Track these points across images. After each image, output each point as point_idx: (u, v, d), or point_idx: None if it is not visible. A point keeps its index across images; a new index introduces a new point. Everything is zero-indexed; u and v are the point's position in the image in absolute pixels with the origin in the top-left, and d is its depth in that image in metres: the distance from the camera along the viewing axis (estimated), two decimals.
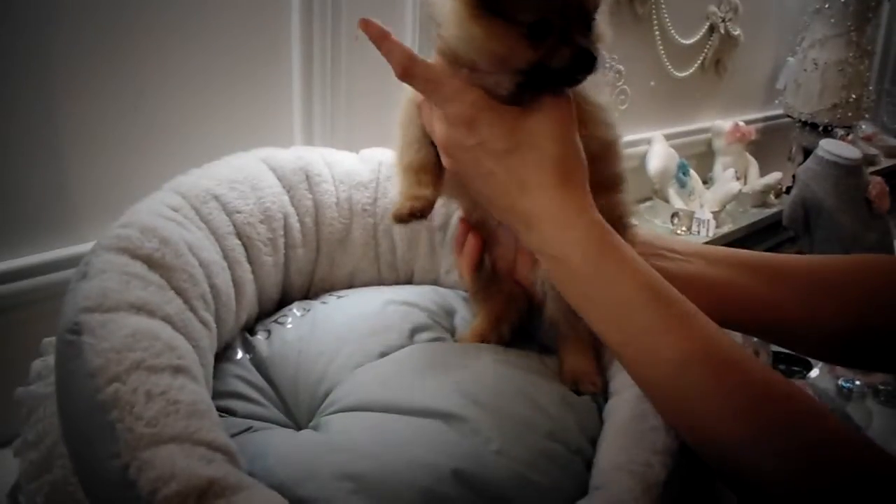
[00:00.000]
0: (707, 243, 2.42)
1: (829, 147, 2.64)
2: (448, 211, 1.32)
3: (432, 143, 1.04)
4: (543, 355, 1.18)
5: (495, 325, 1.20)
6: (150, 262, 0.98)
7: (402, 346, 1.14)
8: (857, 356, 1.24)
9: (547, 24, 0.91)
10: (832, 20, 3.08)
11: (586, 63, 0.93)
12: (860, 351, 1.19)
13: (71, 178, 1.37)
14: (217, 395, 1.05)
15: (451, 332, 1.24)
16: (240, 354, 1.15)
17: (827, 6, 3.08)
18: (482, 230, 1.12)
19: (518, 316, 1.20)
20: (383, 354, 1.12)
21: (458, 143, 0.97)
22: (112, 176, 1.41)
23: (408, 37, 1.75)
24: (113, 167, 1.41)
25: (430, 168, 1.06)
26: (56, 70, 1.30)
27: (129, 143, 1.42)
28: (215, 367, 1.08)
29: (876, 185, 2.68)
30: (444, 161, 1.02)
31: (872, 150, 3.84)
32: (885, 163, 3.90)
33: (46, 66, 1.29)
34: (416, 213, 1.04)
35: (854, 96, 3.13)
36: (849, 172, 2.62)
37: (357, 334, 1.15)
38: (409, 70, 0.97)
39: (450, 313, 1.28)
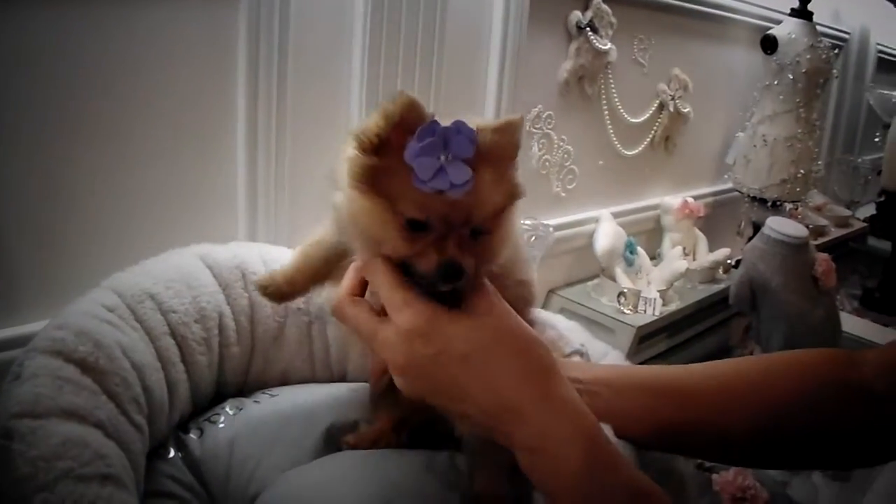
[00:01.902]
0: (654, 321, 2.45)
1: (775, 225, 2.66)
2: None
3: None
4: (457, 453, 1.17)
5: (394, 430, 1.19)
6: (84, 366, 1.00)
7: (330, 450, 1.15)
8: (775, 460, 1.26)
9: (425, 225, 0.89)
10: (781, 97, 3.12)
11: (450, 275, 0.90)
12: (778, 455, 1.21)
13: (13, 260, 1.39)
14: (149, 493, 1.06)
15: None
16: (172, 453, 1.16)
17: (776, 83, 3.12)
18: None
19: (421, 422, 1.19)
20: (312, 457, 1.12)
21: (416, 356, 0.93)
22: (55, 260, 1.43)
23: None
24: (55, 252, 1.43)
25: (305, 276, 1.11)
26: None
27: (73, 229, 1.44)
28: (147, 466, 1.09)
29: (822, 262, 2.71)
30: (404, 389, 0.98)
31: (822, 221, 3.87)
32: (835, 233, 3.93)
33: None
34: (268, 296, 1.13)
35: (803, 171, 3.16)
36: (795, 250, 2.64)
37: (287, 436, 1.16)
38: (366, 266, 0.98)
39: None
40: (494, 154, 0.89)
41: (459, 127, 0.85)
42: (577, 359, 1.34)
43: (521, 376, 0.92)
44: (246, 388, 1.33)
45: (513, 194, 0.93)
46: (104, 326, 1.08)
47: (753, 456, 1.23)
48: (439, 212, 0.88)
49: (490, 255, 0.93)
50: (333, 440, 1.17)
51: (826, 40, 3.20)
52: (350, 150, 0.90)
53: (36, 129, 1.35)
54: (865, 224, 4.20)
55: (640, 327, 2.41)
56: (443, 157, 0.85)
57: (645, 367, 1.26)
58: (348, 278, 1.03)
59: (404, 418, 1.18)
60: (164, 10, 1.45)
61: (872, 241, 4.12)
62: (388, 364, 0.97)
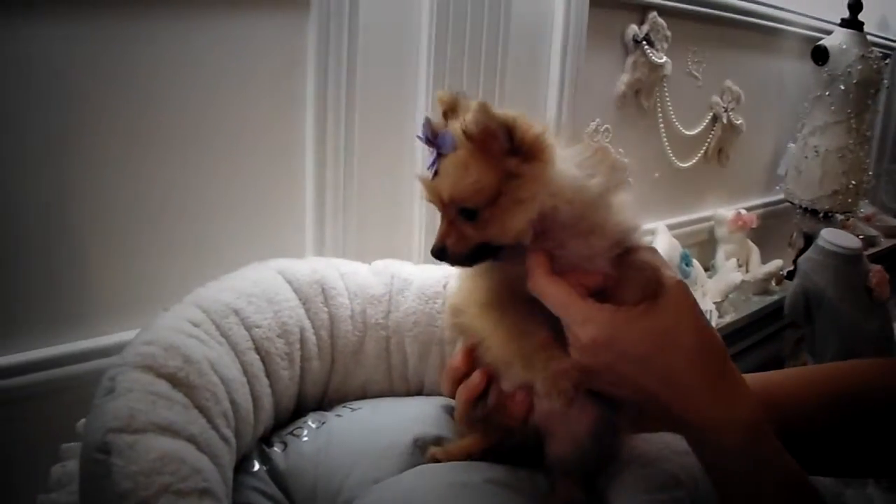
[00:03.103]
0: None
1: (830, 237, 2.66)
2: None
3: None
4: (535, 472, 1.17)
5: (484, 454, 1.17)
6: (174, 381, 1.01)
7: (417, 462, 1.15)
8: (830, 467, 1.26)
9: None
10: (832, 107, 3.11)
11: (436, 256, 0.98)
12: (833, 461, 1.21)
13: (91, 275, 1.41)
14: None
15: None
16: (257, 466, 1.16)
17: (827, 94, 3.12)
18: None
19: (514, 447, 1.18)
20: (400, 470, 1.13)
21: (599, 362, 0.96)
22: (132, 276, 1.45)
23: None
24: (133, 268, 1.45)
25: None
26: (80, 173, 1.36)
27: (150, 245, 1.47)
28: (234, 479, 1.09)
29: (876, 273, 2.70)
30: (584, 382, 0.98)
31: (872, 231, 3.86)
32: (884, 243, 3.92)
33: (71, 169, 1.34)
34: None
35: (854, 182, 3.16)
36: (849, 261, 2.64)
37: (373, 449, 1.16)
38: (536, 287, 0.98)
39: None
40: (471, 141, 0.92)
41: (424, 122, 0.96)
42: None
43: (695, 372, 0.95)
44: (325, 401, 1.34)
45: (500, 176, 0.93)
46: (191, 341, 1.09)
47: (808, 463, 1.23)
48: (428, 196, 0.98)
49: (489, 233, 0.96)
50: (420, 453, 1.17)
51: (877, 50, 3.20)
52: None
53: (112, 145, 1.38)
54: None
55: None
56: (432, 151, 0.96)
57: None
58: None
59: (494, 446, 1.17)
60: (235, 23, 1.49)
61: None
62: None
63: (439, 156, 0.95)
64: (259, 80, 1.55)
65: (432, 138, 0.95)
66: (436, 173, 0.95)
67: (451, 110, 0.97)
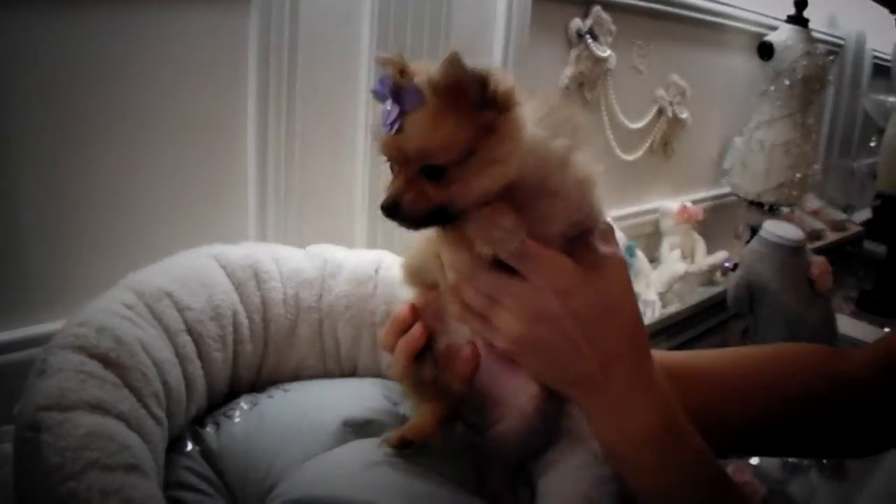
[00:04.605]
0: (653, 323, 2.48)
1: (773, 228, 2.69)
2: (390, 308, 1.33)
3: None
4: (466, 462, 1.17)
5: (437, 425, 1.12)
6: (106, 362, 1.02)
7: (348, 441, 1.16)
8: (772, 446, 1.29)
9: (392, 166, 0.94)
10: (778, 102, 3.15)
11: (387, 212, 0.92)
12: (775, 441, 1.25)
13: (28, 262, 1.41)
14: (167, 485, 1.08)
15: (397, 422, 1.20)
16: (189, 446, 1.18)
17: (773, 89, 3.15)
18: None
19: (462, 417, 1.16)
20: (329, 449, 1.14)
21: (549, 316, 0.93)
22: (68, 264, 1.45)
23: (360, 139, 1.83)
24: (70, 255, 1.45)
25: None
26: (14, 161, 1.35)
27: (87, 232, 1.47)
28: (166, 458, 1.10)
29: (818, 264, 2.73)
30: (514, 344, 0.97)
31: (819, 225, 3.89)
32: (831, 237, 3.95)
33: (4, 158, 1.34)
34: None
35: (799, 175, 3.19)
36: (792, 253, 2.67)
37: (302, 430, 1.17)
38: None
39: (395, 404, 1.27)
40: (439, 97, 0.88)
41: (385, 75, 0.90)
42: None
43: (627, 351, 0.95)
44: (259, 383, 1.36)
45: (474, 132, 0.89)
46: (124, 323, 1.10)
47: (751, 443, 1.26)
48: (387, 152, 0.93)
49: (452, 193, 0.91)
50: (350, 433, 1.17)
51: (821, 46, 3.24)
52: None
53: (49, 133, 1.38)
54: (861, 228, 4.22)
55: None
56: (388, 104, 0.90)
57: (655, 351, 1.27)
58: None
59: (447, 416, 1.13)
60: (175, 11, 1.49)
61: (868, 245, 4.15)
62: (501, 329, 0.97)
63: (402, 112, 0.89)
64: (199, 65, 1.55)
65: (396, 93, 0.89)
66: (399, 130, 0.89)
67: (401, 71, 0.91)
